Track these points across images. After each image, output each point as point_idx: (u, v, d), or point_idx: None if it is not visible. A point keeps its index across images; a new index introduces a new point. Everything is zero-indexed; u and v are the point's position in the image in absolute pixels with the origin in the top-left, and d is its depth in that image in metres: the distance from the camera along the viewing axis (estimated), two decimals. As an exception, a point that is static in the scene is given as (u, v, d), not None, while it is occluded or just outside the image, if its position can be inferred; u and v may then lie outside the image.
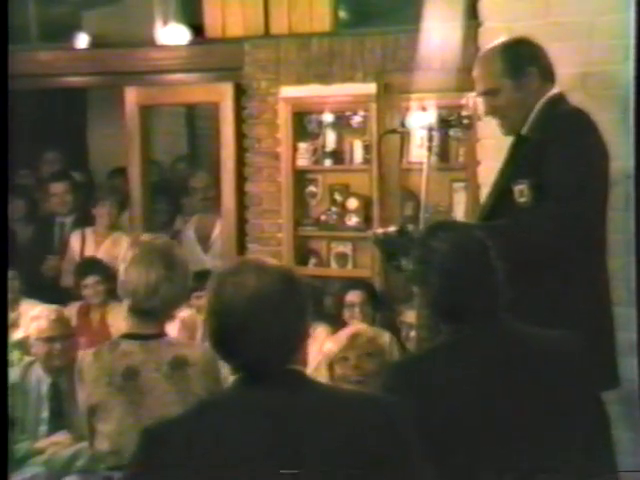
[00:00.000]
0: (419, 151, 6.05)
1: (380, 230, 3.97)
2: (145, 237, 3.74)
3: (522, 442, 2.63)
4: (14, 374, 4.99)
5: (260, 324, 2.22)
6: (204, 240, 7.16)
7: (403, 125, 6.12)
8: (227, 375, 3.07)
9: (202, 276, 4.28)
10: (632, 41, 4.14)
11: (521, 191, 3.66)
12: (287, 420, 2.19)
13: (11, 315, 6.15)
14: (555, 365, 2.69)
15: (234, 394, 2.30)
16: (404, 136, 6.29)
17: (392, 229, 3.84)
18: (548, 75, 3.83)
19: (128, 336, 3.41)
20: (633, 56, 4.15)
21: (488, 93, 3.85)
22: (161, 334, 3.41)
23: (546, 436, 2.64)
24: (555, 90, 3.83)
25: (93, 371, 3.34)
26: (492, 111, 3.90)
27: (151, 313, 3.36)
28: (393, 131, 6.00)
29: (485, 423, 2.61)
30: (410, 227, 3.95)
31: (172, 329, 5.99)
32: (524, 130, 3.82)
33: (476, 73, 3.92)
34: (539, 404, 2.65)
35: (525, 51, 3.83)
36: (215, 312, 2.29)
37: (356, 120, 6.62)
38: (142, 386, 3.30)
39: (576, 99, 3.90)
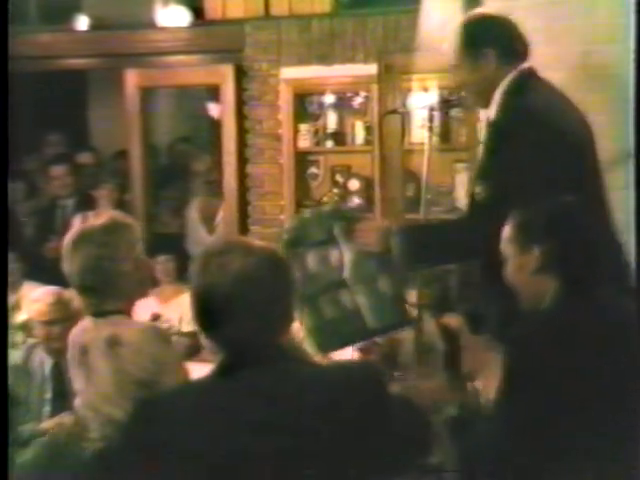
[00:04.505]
0: (420, 132, 6.04)
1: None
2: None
3: None
4: (17, 356, 5.02)
5: (245, 305, 2.23)
6: (208, 222, 7.19)
7: (404, 106, 6.14)
8: (165, 355, 3.13)
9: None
10: (631, 45, 4.14)
11: (480, 189, 3.52)
12: (276, 398, 2.19)
13: (13, 298, 6.20)
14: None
15: (221, 374, 2.29)
16: (405, 117, 6.28)
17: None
18: (510, 55, 3.60)
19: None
20: (633, 50, 4.16)
21: (450, 69, 3.72)
22: (120, 311, 3.32)
23: None
24: (523, 66, 3.59)
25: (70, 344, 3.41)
26: (457, 86, 3.85)
27: (95, 290, 3.29)
28: (394, 112, 6.00)
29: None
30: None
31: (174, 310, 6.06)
32: (491, 115, 3.65)
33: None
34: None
35: (483, 30, 3.64)
36: (200, 293, 2.28)
37: (357, 101, 6.63)
38: (90, 363, 3.29)
39: (577, 78, 3.87)
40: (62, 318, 4.82)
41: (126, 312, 3.37)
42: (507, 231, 2.97)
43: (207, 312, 2.27)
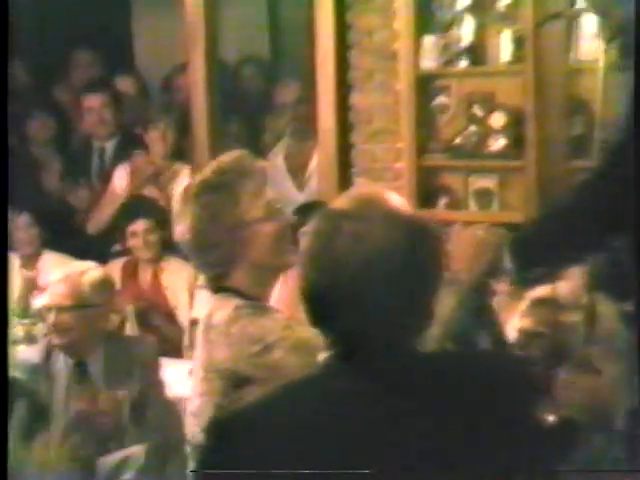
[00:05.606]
0: (593, 44, 5.79)
1: None
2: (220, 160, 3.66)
3: None
4: (36, 353, 4.97)
5: (383, 290, 2.20)
6: (298, 173, 7.13)
7: (570, 7, 6.00)
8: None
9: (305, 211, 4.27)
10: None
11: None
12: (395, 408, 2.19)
13: (28, 274, 6.20)
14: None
15: (330, 376, 2.30)
16: (572, 23, 6.03)
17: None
18: None
19: None
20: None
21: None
22: (238, 290, 3.50)
23: None
24: None
25: None
26: None
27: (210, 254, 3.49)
28: (556, 16, 5.86)
29: None
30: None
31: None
32: None
33: None
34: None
35: None
36: (319, 264, 2.24)
37: (503, 2, 6.28)
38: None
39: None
40: (75, 304, 4.69)
41: (258, 296, 3.43)
42: None
43: (325, 290, 2.24)
